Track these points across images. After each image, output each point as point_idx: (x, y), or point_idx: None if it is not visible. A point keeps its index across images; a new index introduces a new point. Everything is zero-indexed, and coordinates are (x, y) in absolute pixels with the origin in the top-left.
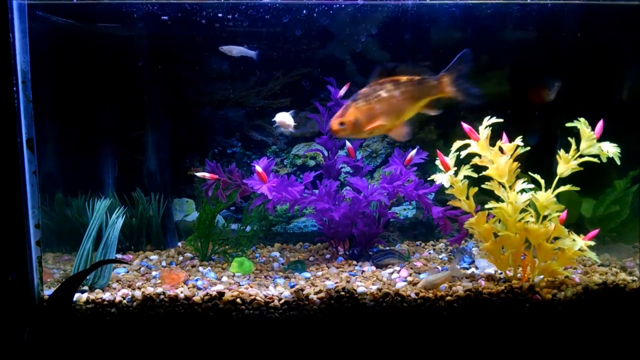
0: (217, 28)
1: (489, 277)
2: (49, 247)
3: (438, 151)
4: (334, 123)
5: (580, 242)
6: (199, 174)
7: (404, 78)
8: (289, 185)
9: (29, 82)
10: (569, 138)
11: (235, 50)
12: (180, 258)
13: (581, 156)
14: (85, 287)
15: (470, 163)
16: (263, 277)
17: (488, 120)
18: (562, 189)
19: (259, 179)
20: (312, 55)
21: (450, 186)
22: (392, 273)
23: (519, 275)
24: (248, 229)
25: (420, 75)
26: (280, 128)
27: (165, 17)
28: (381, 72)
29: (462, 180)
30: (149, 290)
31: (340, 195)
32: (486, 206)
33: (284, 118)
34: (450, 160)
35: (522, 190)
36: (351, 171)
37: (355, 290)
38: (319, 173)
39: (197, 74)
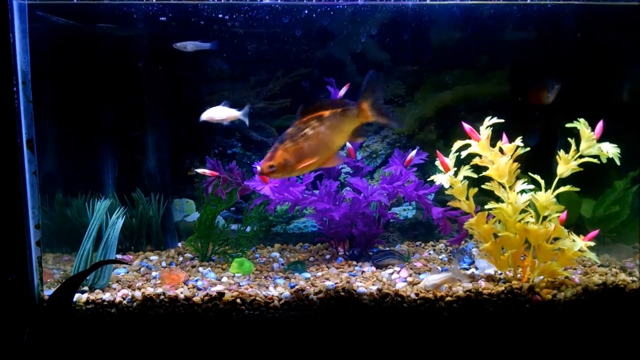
0: (217, 28)
1: (489, 278)
2: (49, 247)
3: (438, 152)
4: (264, 166)
5: (580, 243)
6: (199, 171)
7: (326, 112)
8: (291, 185)
9: (29, 82)
10: (569, 138)
11: (190, 45)
12: (180, 258)
13: (581, 157)
14: (85, 288)
15: (470, 163)
16: (263, 277)
17: (489, 121)
18: (562, 189)
19: (260, 180)
20: (312, 55)
21: (450, 187)
22: (392, 273)
23: (518, 275)
24: (248, 229)
25: (341, 106)
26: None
27: (164, 18)
28: (304, 110)
29: (462, 181)
30: (149, 290)
31: (340, 195)
32: (486, 207)
33: (212, 114)
34: (450, 160)
35: (522, 191)
36: (351, 171)
37: (355, 290)
38: (319, 173)
39: (197, 74)
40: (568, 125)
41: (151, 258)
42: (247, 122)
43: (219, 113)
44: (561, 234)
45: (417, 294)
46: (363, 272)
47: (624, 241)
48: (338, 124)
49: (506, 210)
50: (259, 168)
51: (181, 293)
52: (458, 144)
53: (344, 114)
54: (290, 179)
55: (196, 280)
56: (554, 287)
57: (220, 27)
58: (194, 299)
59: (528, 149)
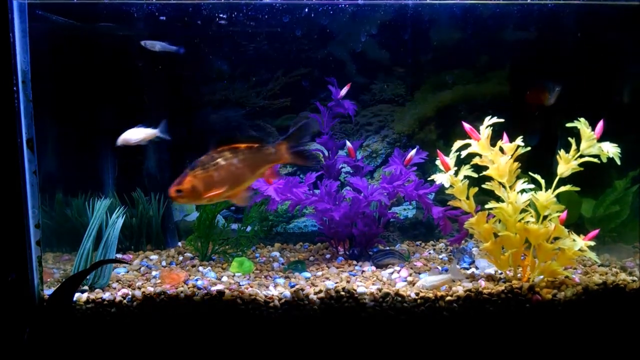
0: (217, 28)
1: (489, 277)
2: (49, 246)
3: (438, 151)
4: (172, 190)
5: (580, 242)
6: None
7: (242, 146)
8: (294, 186)
9: (29, 81)
10: (569, 138)
11: (158, 45)
12: (181, 258)
13: (581, 156)
14: (86, 287)
15: (471, 163)
16: (263, 277)
17: (489, 120)
18: (562, 189)
19: (264, 181)
20: (312, 55)
21: (451, 186)
22: (392, 273)
23: (519, 275)
24: (248, 229)
25: (258, 142)
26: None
27: (164, 17)
28: (220, 140)
29: (462, 180)
30: (149, 290)
31: (340, 195)
32: (486, 206)
33: (127, 136)
34: (451, 160)
35: (523, 191)
36: (351, 171)
37: (355, 290)
38: (320, 173)
39: (197, 73)
40: (568, 124)
41: (151, 257)
42: (166, 137)
43: (135, 135)
44: (561, 234)
45: (417, 294)
46: (363, 271)
47: (624, 241)
48: (252, 159)
49: (506, 209)
50: None
51: (181, 292)
52: (458, 143)
53: (260, 150)
54: (293, 180)
55: (196, 280)
56: (554, 286)
57: (220, 27)
58: (194, 298)
59: (528, 148)
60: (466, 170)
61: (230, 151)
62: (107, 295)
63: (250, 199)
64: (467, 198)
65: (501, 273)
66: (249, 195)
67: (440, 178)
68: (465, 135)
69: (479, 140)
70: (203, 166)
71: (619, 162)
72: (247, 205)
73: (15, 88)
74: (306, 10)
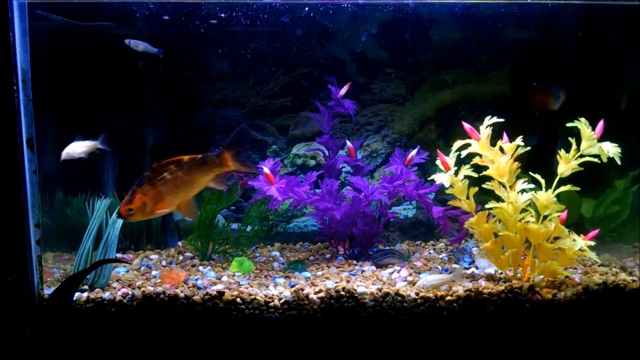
0: (217, 27)
1: (489, 277)
2: (49, 246)
3: (438, 151)
4: (123, 209)
5: (580, 242)
6: None
7: (186, 158)
8: (296, 185)
9: (29, 81)
10: (570, 138)
11: (142, 45)
12: (181, 257)
13: (581, 156)
14: (85, 287)
15: (471, 163)
16: (263, 276)
17: (489, 120)
18: (562, 189)
19: (265, 180)
20: (312, 54)
21: (451, 186)
22: (392, 273)
23: (519, 275)
24: (248, 228)
25: (202, 153)
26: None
27: (165, 17)
28: (158, 152)
29: (462, 180)
30: (149, 289)
31: (340, 194)
32: (486, 206)
33: (70, 150)
34: (451, 160)
35: (523, 190)
36: (351, 171)
37: (355, 290)
38: (321, 172)
39: (197, 73)
40: (568, 124)
41: (151, 257)
42: (106, 148)
43: (77, 148)
44: (561, 234)
45: (417, 294)
46: (363, 271)
47: (624, 241)
48: (197, 169)
49: (506, 209)
50: (265, 168)
51: (181, 292)
52: (458, 143)
53: (204, 160)
54: (295, 179)
55: (196, 279)
56: (554, 286)
57: (220, 26)
58: (194, 298)
59: (528, 148)
60: (466, 170)
61: (174, 164)
62: (107, 295)
63: (197, 210)
64: (467, 198)
65: (501, 273)
66: (195, 207)
67: (440, 178)
68: (465, 135)
69: (479, 140)
70: (150, 182)
71: (619, 162)
72: (194, 219)
73: (15, 87)
74: (306, 9)
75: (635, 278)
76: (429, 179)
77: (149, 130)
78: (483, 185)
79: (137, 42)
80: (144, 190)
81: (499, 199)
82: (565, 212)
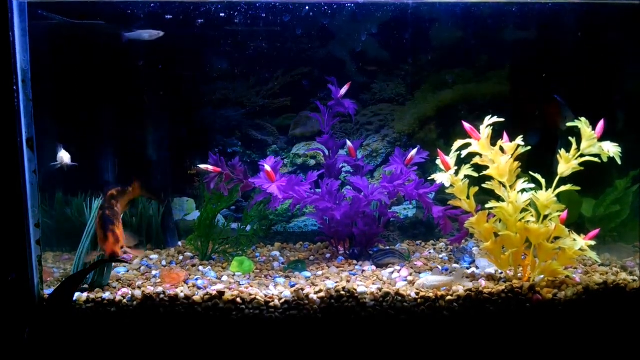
0: (217, 27)
1: (490, 277)
2: (49, 246)
3: (439, 150)
4: (117, 251)
5: (580, 242)
6: (202, 166)
7: (114, 192)
8: (296, 184)
9: (29, 81)
10: (570, 137)
11: (145, 34)
12: (181, 257)
13: (582, 156)
14: (86, 286)
15: (471, 162)
16: (263, 276)
17: (489, 120)
18: (562, 188)
19: (266, 178)
20: (312, 54)
21: (451, 185)
22: (392, 272)
23: (519, 275)
24: (248, 228)
25: (118, 187)
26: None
27: (166, 16)
28: (106, 190)
29: (462, 180)
30: (149, 289)
31: (341, 194)
32: (487, 206)
33: (65, 156)
34: (451, 159)
35: (523, 190)
36: (352, 170)
37: (355, 289)
38: (321, 172)
39: (197, 73)
40: (569, 124)
41: (151, 257)
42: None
43: (65, 156)
44: (562, 233)
45: (417, 293)
46: (363, 271)
47: (624, 240)
48: (123, 199)
49: (507, 209)
50: (266, 166)
51: (181, 292)
52: (458, 142)
53: (124, 191)
54: (296, 178)
55: (196, 279)
56: (554, 286)
57: (220, 26)
58: (194, 297)
59: (529, 148)
60: (466, 170)
61: (114, 199)
62: (107, 295)
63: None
64: (468, 197)
65: (501, 273)
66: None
67: (440, 177)
68: (465, 134)
69: (479, 139)
70: (117, 219)
71: (619, 162)
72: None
73: (15, 87)
74: (306, 9)
75: (635, 278)
76: (429, 178)
77: (148, 129)
78: (483, 185)
79: (139, 33)
80: (119, 227)
81: (499, 198)
82: (566, 211)
